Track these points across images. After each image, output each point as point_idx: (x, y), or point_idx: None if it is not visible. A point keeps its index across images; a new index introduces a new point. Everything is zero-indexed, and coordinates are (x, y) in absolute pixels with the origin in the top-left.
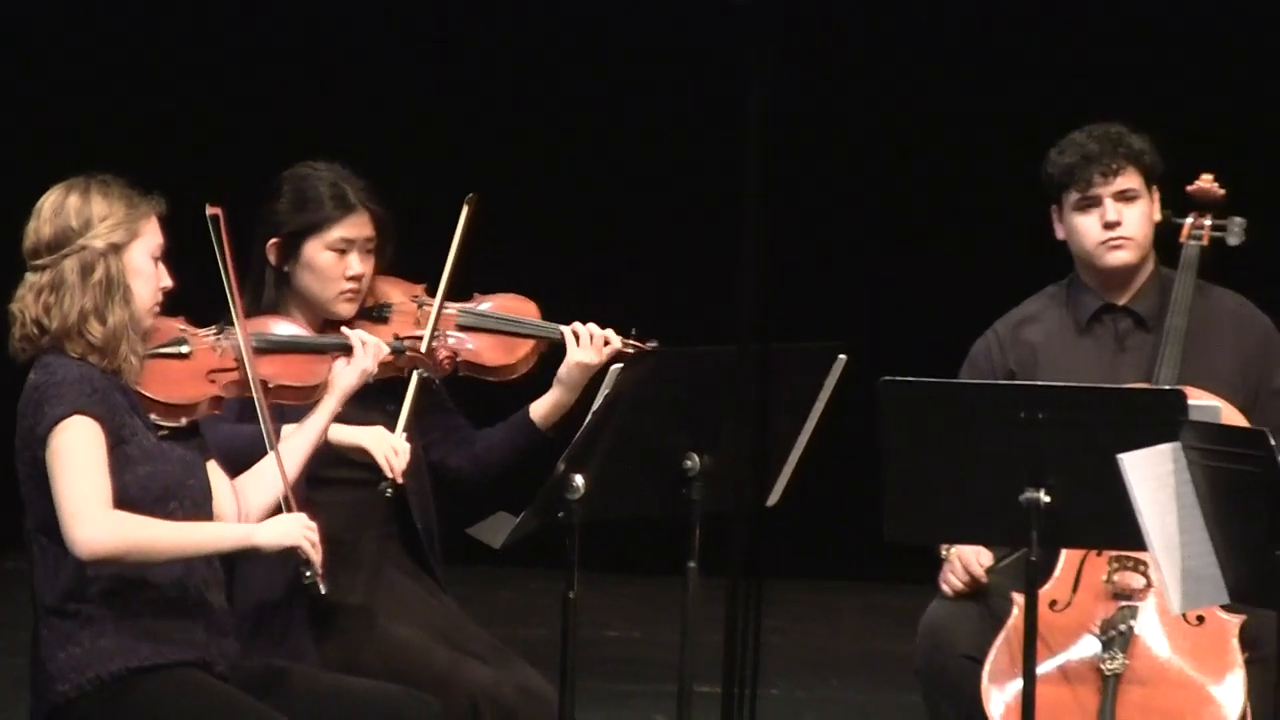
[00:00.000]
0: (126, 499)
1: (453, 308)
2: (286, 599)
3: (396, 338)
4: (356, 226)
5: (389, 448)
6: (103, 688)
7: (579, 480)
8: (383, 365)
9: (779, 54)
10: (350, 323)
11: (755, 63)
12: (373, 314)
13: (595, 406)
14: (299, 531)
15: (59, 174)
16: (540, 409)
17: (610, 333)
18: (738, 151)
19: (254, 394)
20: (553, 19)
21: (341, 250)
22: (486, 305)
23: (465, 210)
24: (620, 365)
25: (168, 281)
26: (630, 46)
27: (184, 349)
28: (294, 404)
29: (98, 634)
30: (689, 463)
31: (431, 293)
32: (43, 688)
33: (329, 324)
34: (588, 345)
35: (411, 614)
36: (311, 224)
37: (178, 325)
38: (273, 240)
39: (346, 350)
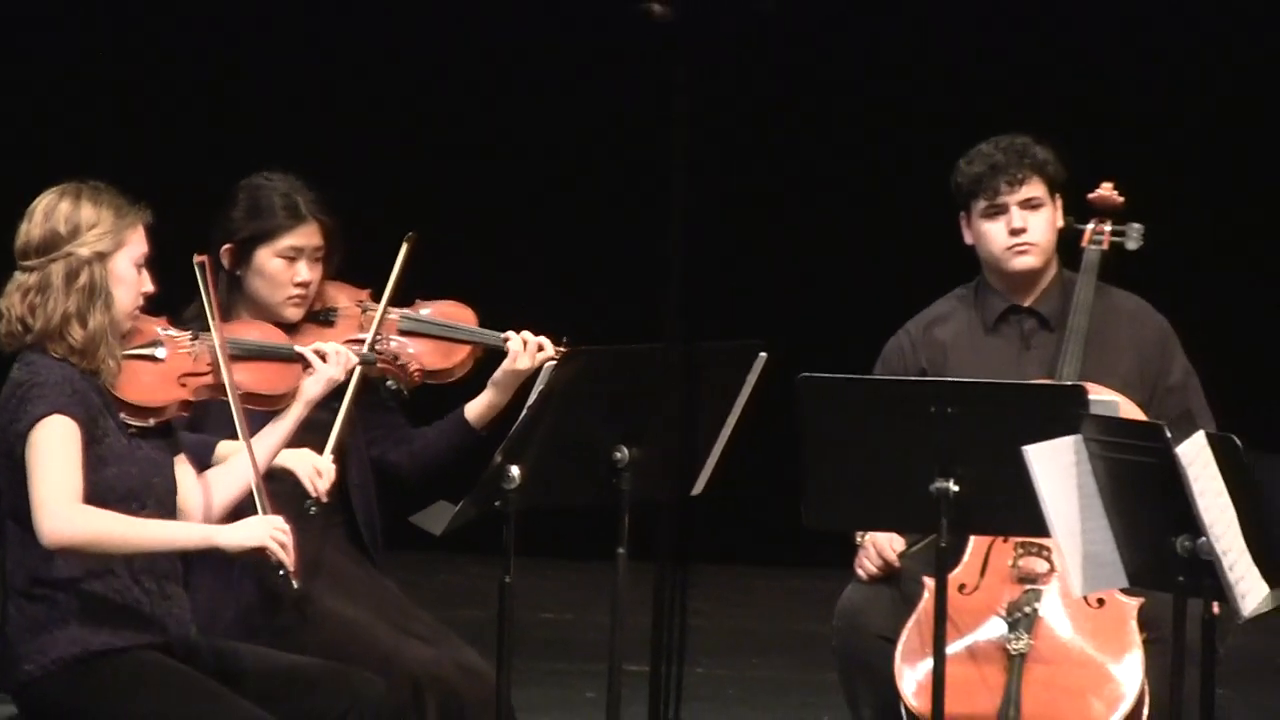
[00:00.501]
0: (96, 497)
1: (395, 313)
2: (238, 583)
3: (371, 348)
4: (306, 236)
5: (312, 470)
6: (65, 669)
7: (515, 471)
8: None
9: (701, 65)
10: (297, 325)
11: (678, 74)
12: (319, 317)
13: (530, 402)
14: (265, 533)
15: (55, 171)
16: (475, 409)
17: (545, 340)
18: (662, 160)
19: (229, 397)
20: (477, 30)
21: (291, 258)
22: (427, 311)
23: (405, 247)
24: (554, 362)
25: (149, 287)
26: (556, 53)
27: (158, 352)
28: (260, 410)
29: (62, 619)
30: (618, 454)
31: (376, 298)
32: (10, 665)
33: (278, 326)
34: (522, 352)
35: (355, 597)
36: (264, 232)
37: (157, 326)
38: (226, 245)
39: (318, 358)
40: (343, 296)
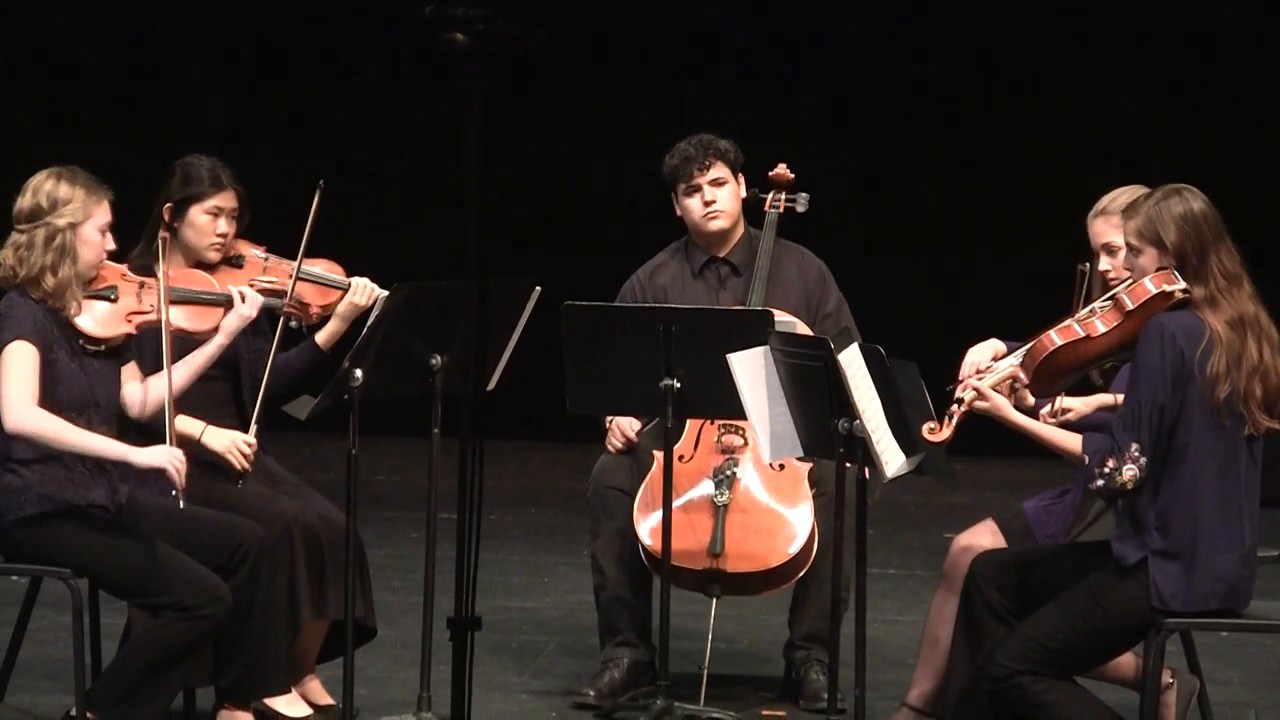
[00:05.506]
0: (56, 407)
1: (286, 264)
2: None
3: (278, 293)
4: (225, 199)
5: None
6: (27, 520)
7: (358, 372)
8: (262, 311)
9: (491, 77)
10: (214, 267)
11: (474, 85)
12: (232, 262)
13: (369, 322)
14: (166, 459)
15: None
16: (322, 336)
17: (374, 285)
18: (465, 149)
19: (163, 333)
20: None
21: (214, 214)
22: (312, 265)
23: (317, 197)
24: (387, 293)
25: (111, 246)
26: (395, 72)
27: (112, 294)
28: (189, 340)
29: (25, 487)
30: (433, 360)
31: (271, 251)
32: None
33: (200, 265)
34: (360, 291)
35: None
36: (195, 195)
37: (119, 273)
38: (167, 204)
39: (240, 300)
40: (248, 249)
